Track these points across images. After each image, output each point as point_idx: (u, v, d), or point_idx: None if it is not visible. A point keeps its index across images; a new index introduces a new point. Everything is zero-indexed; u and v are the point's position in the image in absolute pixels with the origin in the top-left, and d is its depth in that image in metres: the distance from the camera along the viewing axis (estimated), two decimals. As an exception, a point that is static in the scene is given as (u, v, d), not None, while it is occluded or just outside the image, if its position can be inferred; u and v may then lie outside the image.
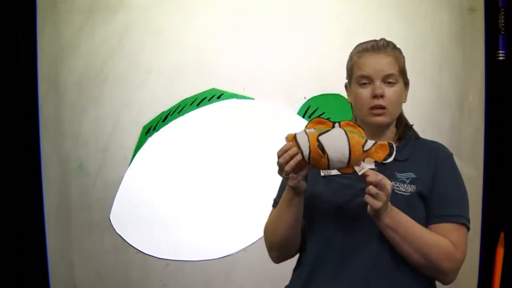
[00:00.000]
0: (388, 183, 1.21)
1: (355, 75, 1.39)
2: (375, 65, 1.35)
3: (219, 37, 2.40)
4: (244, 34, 2.40)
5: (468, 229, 1.35)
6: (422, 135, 1.49)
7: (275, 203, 1.46)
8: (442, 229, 1.31)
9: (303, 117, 2.38)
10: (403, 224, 1.27)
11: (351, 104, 1.44)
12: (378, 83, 1.35)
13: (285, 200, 1.34)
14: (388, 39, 1.42)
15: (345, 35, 2.30)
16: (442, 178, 1.35)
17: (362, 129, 1.24)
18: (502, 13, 2.31)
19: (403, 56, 1.42)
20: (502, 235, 2.27)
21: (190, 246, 2.40)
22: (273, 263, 1.49)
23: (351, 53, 1.43)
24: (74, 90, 2.44)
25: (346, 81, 1.46)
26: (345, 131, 1.21)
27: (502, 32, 2.30)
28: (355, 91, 1.39)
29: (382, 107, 1.35)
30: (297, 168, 1.22)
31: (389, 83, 1.36)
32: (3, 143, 2.37)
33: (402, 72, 1.40)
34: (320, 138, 1.20)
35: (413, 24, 2.37)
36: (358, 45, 1.42)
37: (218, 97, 2.41)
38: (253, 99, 2.41)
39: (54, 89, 2.44)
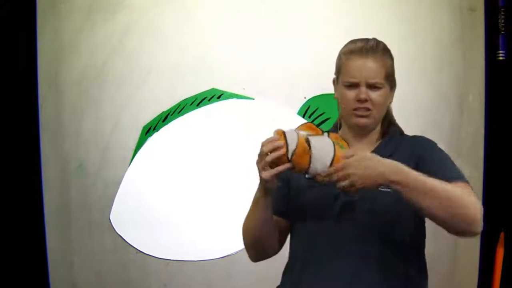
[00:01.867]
0: (346, 166, 1.20)
1: (342, 77, 1.40)
2: (361, 71, 1.36)
3: (219, 37, 2.40)
4: (244, 34, 2.40)
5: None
6: (422, 135, 1.49)
7: None
8: None
9: (303, 117, 2.38)
10: (412, 176, 1.22)
11: (338, 100, 1.44)
12: (363, 88, 1.36)
13: (253, 200, 1.35)
14: (388, 39, 1.42)
15: (345, 35, 2.27)
16: (432, 157, 1.35)
17: (347, 144, 1.28)
18: (502, 13, 2.31)
19: (392, 59, 1.42)
20: (502, 235, 2.27)
21: (190, 246, 2.40)
22: (272, 263, 1.48)
23: (341, 50, 1.43)
24: (74, 90, 2.44)
25: (334, 76, 1.46)
26: (333, 142, 1.25)
27: (502, 32, 2.30)
28: (341, 91, 1.40)
29: (367, 109, 1.37)
30: (275, 162, 1.23)
31: (375, 87, 1.37)
32: (3, 143, 2.37)
33: (388, 77, 1.40)
34: (310, 138, 1.24)
35: (413, 24, 2.37)
36: (348, 43, 1.43)
37: (218, 97, 2.41)
38: (253, 99, 2.41)
39: (54, 89, 2.44)
